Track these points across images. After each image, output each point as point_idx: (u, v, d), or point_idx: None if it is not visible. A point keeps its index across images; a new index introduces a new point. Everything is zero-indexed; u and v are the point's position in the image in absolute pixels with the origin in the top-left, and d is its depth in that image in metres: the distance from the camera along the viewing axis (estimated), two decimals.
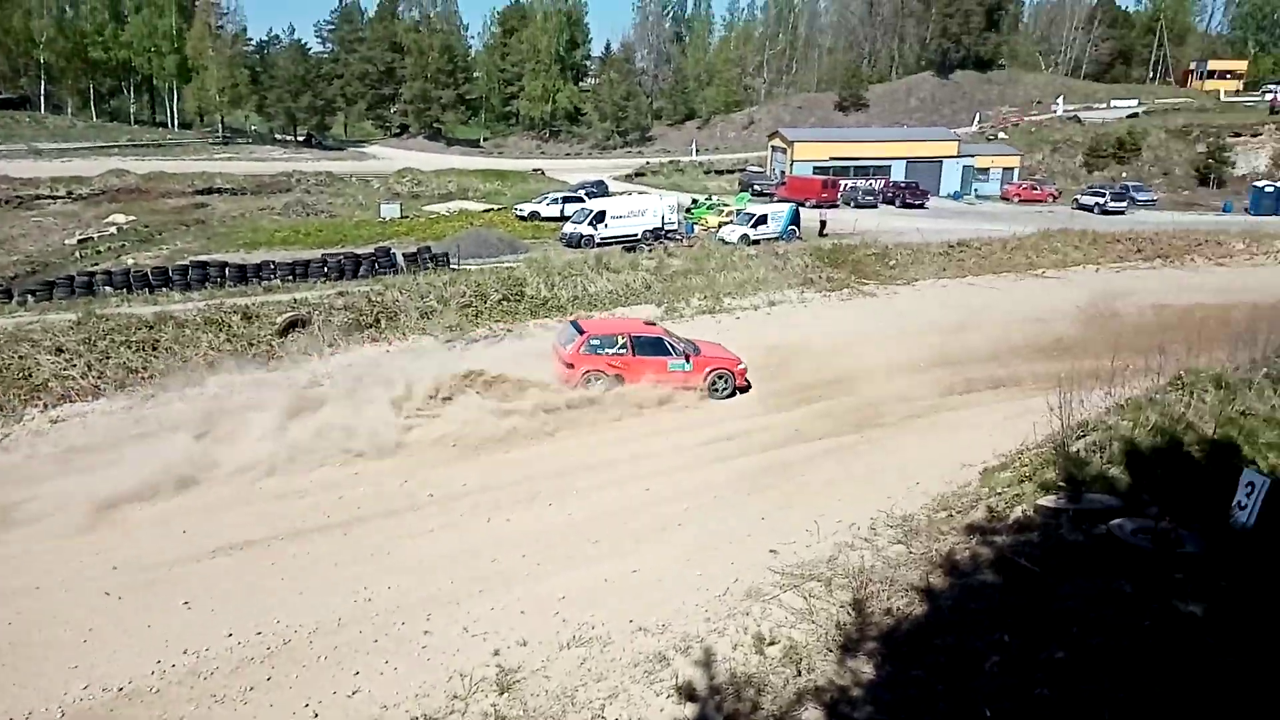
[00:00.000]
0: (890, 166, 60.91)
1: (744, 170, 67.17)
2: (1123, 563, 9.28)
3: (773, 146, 69.16)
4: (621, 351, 19.40)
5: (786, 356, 21.95)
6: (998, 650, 8.51)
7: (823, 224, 41.83)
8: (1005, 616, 8.84)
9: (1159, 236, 38.82)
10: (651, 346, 19.73)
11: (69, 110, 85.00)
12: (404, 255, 31.57)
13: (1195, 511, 10.51)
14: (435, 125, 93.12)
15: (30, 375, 17.66)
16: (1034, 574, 9.50)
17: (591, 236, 37.60)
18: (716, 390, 19.64)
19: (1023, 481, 12.26)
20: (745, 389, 20.12)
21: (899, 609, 9.73)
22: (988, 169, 62.70)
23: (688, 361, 19.68)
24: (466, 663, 9.71)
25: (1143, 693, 6.78)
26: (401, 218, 47.37)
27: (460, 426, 16.44)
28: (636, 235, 38.50)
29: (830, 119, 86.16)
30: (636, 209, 40.61)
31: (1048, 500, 11.19)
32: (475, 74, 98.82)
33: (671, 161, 76.07)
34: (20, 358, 18.05)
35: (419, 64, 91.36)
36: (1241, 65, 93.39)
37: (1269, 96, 78.48)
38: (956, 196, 59.96)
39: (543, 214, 46.25)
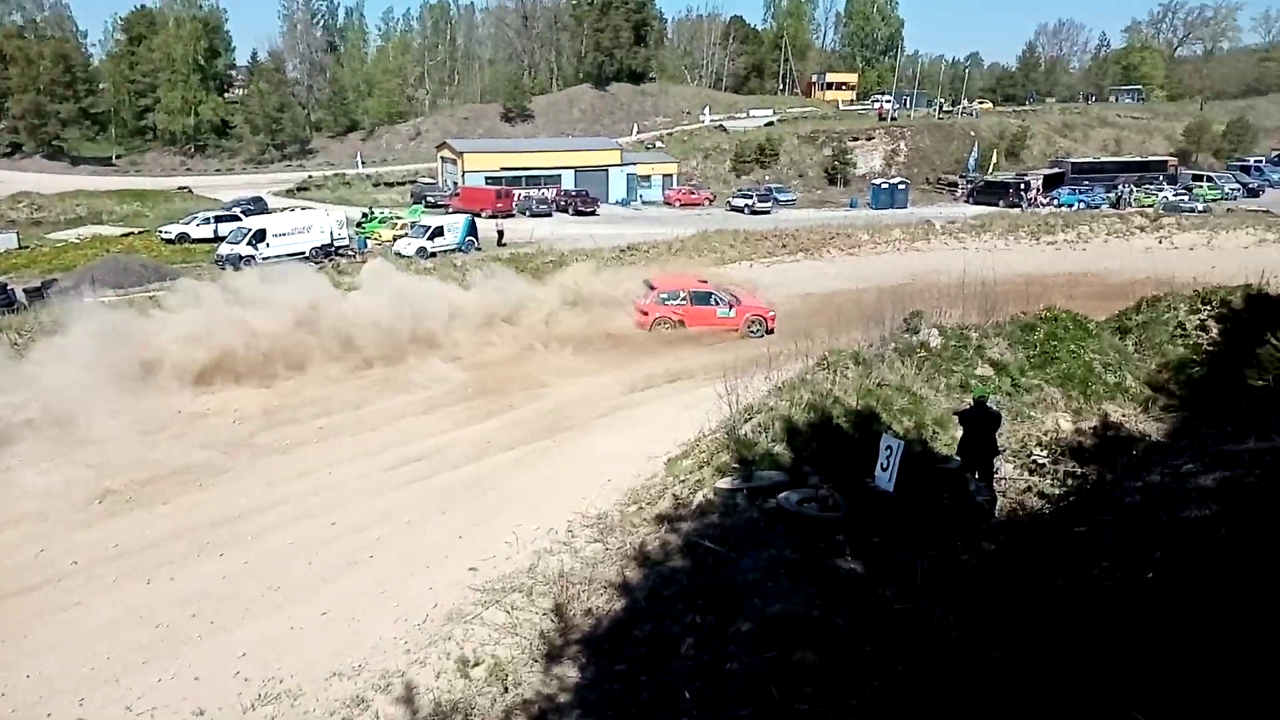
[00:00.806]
0: (560, 175, 62.47)
1: (415, 182, 65.75)
2: (792, 532, 10.10)
3: (442, 158, 68.37)
4: (682, 302, 25.67)
5: (475, 365, 21.75)
6: (692, 631, 8.91)
7: (500, 234, 41.97)
8: (695, 598, 9.28)
9: (800, 232, 43.14)
10: (704, 298, 25.94)
11: None
12: (25, 290, 27.40)
13: (849, 477, 11.72)
14: (55, 143, 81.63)
15: None
16: (718, 553, 10.07)
17: (252, 257, 34.84)
18: (754, 331, 25.12)
19: (702, 467, 12.99)
20: (771, 332, 24.71)
21: (599, 607, 9.90)
22: (649, 176, 66.36)
23: (731, 310, 25.73)
24: None
25: (822, 651, 7.32)
26: (20, 248, 41.19)
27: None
28: (303, 253, 36.27)
29: (497, 129, 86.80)
30: (301, 225, 38.30)
31: (725, 482, 11.94)
32: (100, 85, 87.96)
33: (337, 174, 72.70)
34: None
35: (27, 74, 79.48)
36: (853, 78, 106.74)
37: (877, 105, 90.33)
38: (624, 203, 62.78)
39: (193, 235, 42.27)
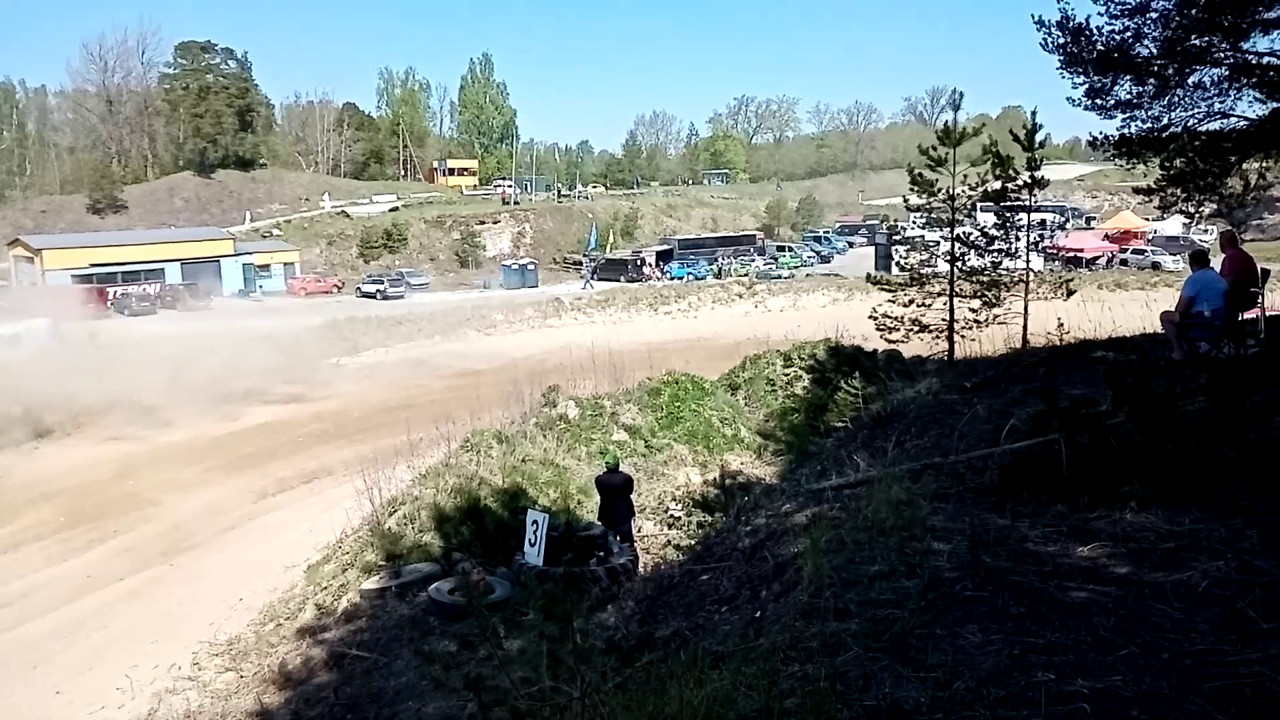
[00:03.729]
0: (164, 269, 57.07)
1: None
2: (446, 624, 9.79)
3: (15, 256, 59.57)
4: None
5: (68, 491, 18.89)
6: None
7: (93, 336, 37.14)
8: (345, 713, 8.63)
9: (436, 315, 43.10)
10: None
11: None
12: None
13: (502, 557, 11.67)
14: None
15: None
16: (367, 660, 9.48)
17: None
18: None
19: (346, 570, 12.27)
20: None
21: None
22: (269, 265, 62.85)
23: None
24: None
25: None
26: None
27: None
28: None
29: (84, 223, 77.34)
30: None
31: (372, 582, 11.34)
32: None
33: None
34: None
35: None
36: (474, 164, 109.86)
37: (499, 190, 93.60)
38: (243, 294, 58.76)
39: None
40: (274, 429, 24.32)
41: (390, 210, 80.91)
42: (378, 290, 56.84)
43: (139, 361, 28.94)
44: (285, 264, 63.93)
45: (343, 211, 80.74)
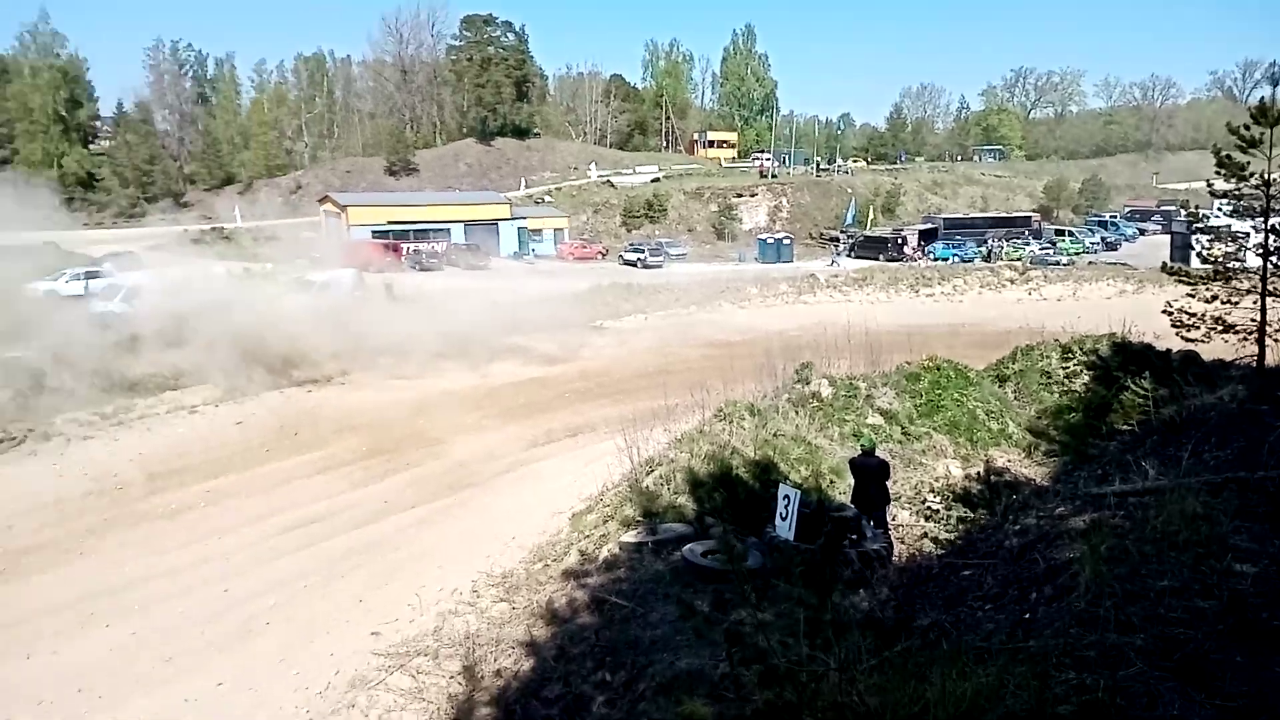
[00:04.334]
0: (449, 229, 62.25)
1: (297, 237, 64.21)
2: (698, 584, 10.29)
3: (325, 211, 67.20)
4: None
5: (370, 424, 21.38)
6: (602, 689, 8.95)
7: (389, 288, 41.38)
8: (604, 655, 9.33)
9: (692, 285, 44.15)
10: None
11: None
12: None
13: (750, 527, 12.03)
14: None
15: None
16: (625, 608, 10.17)
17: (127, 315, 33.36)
18: None
19: (607, 521, 13.11)
20: None
21: (507, 668, 9.83)
22: (541, 230, 66.80)
23: None
24: None
25: (731, 705, 7.49)
26: None
27: None
28: None
29: (382, 183, 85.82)
30: (182, 281, 36.88)
31: (630, 536, 12.08)
32: None
33: (215, 228, 70.44)
34: None
35: None
36: (733, 136, 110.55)
37: (758, 163, 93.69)
38: (516, 256, 62.95)
39: (62, 292, 40.19)
40: (543, 384, 26.11)
41: (652, 181, 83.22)
42: (638, 259, 58.86)
43: (426, 313, 32.03)
44: (555, 229, 67.64)
45: (608, 181, 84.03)
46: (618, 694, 8.70)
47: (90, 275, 41.57)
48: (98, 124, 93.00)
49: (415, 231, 60.59)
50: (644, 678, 8.62)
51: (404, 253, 54.15)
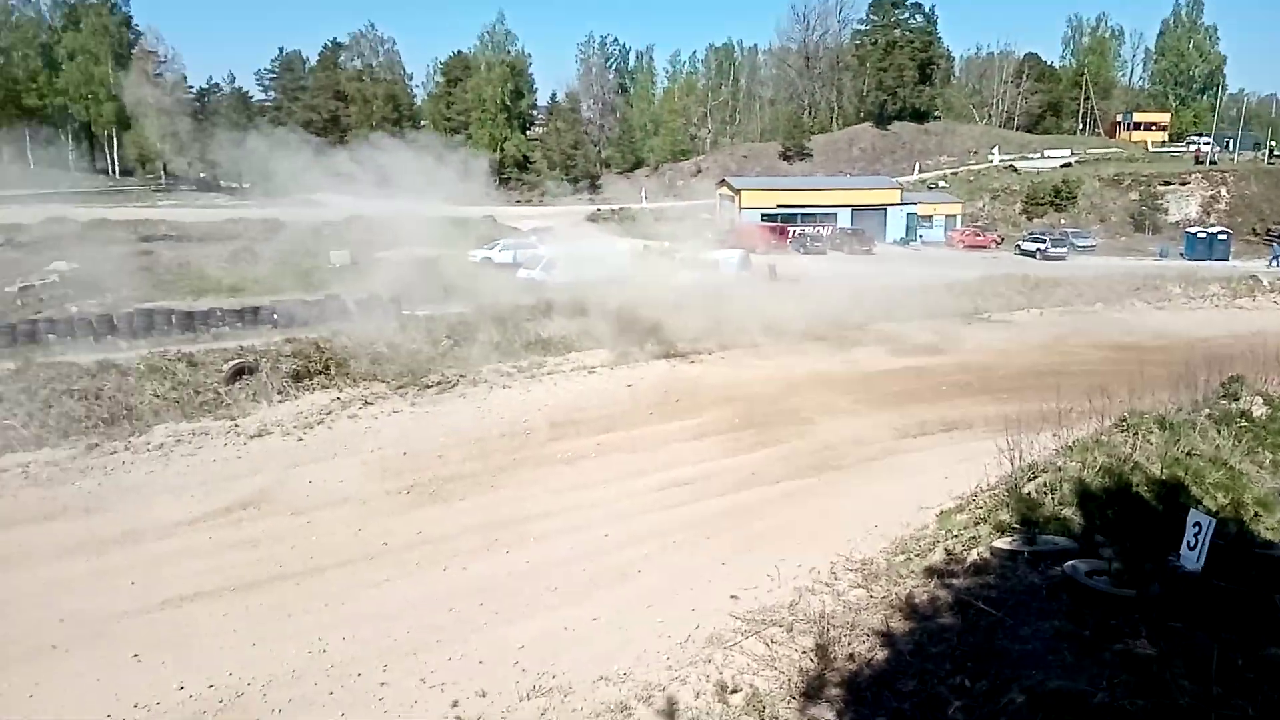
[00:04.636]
0: (836, 214, 62.10)
1: (695, 217, 67.89)
2: (1077, 604, 9.41)
3: (721, 194, 70.16)
4: None
5: (743, 398, 22.14)
6: (960, 694, 8.54)
7: (772, 269, 42.37)
8: (966, 660, 8.89)
9: (1098, 280, 40.02)
10: None
11: (2, 158, 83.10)
12: (355, 301, 31.18)
13: (1146, 552, 10.73)
14: None
15: None
16: (992, 616, 9.58)
17: (544, 282, 37.60)
18: None
19: (978, 524, 12.41)
20: None
21: (861, 654, 9.73)
22: (931, 216, 64.27)
23: None
24: (425, 715, 9.52)
25: None
26: (353, 264, 46.93)
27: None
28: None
29: (775, 168, 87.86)
30: (592, 255, 40.79)
31: (1003, 542, 11.34)
32: (422, 122, 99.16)
33: (622, 208, 76.73)
34: None
35: (364, 113, 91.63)
36: (1165, 118, 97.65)
37: (1193, 147, 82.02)
38: (902, 242, 61.28)
39: (495, 260, 46.21)
40: (919, 373, 25.26)
41: (1062, 166, 76.43)
42: (1037, 249, 54.53)
43: (800, 295, 32.36)
44: (947, 216, 64.73)
45: (1010, 166, 78.58)
46: (977, 702, 8.26)
47: (518, 246, 47.22)
48: (534, 112, 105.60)
49: (802, 215, 61.25)
50: (1009, 691, 8.11)
51: (790, 235, 54.96)
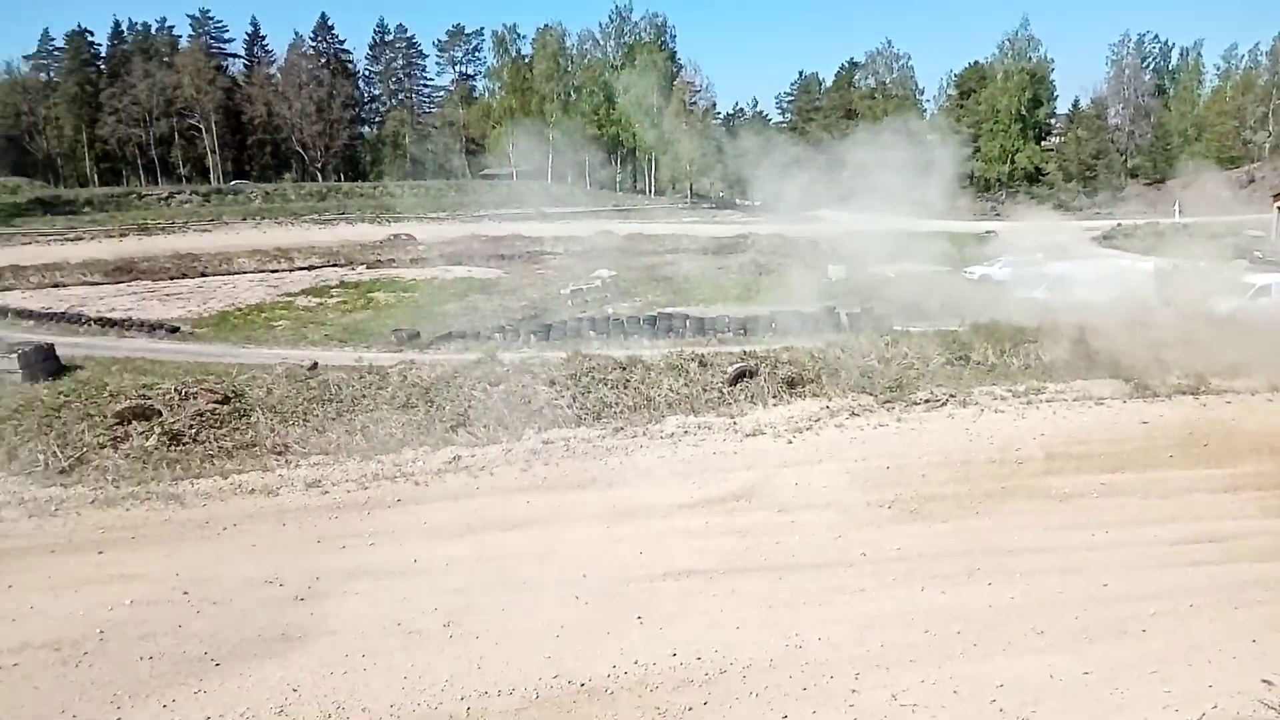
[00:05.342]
0: None
1: (1240, 235, 58.01)
2: None
3: (1278, 208, 59.06)
4: None
5: (1270, 447, 18.60)
6: None
7: None
8: None
9: None
10: None
11: (569, 180, 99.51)
12: (847, 314, 31.95)
13: None
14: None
15: (529, 402, 20.80)
16: None
17: (1050, 302, 34.95)
18: None
19: None
20: None
21: None
22: None
23: None
24: None
25: None
26: (848, 278, 48.07)
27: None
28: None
29: None
30: (1106, 274, 37.06)
31: None
32: (928, 137, 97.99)
33: (1149, 223, 68.24)
34: (523, 386, 21.37)
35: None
36: None
37: None
38: None
39: (995, 277, 44.08)
40: None
41: None
42: None
43: None
44: None
45: None
46: None
47: (1021, 264, 44.58)
48: (1052, 121, 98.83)
49: None
50: None
51: None
